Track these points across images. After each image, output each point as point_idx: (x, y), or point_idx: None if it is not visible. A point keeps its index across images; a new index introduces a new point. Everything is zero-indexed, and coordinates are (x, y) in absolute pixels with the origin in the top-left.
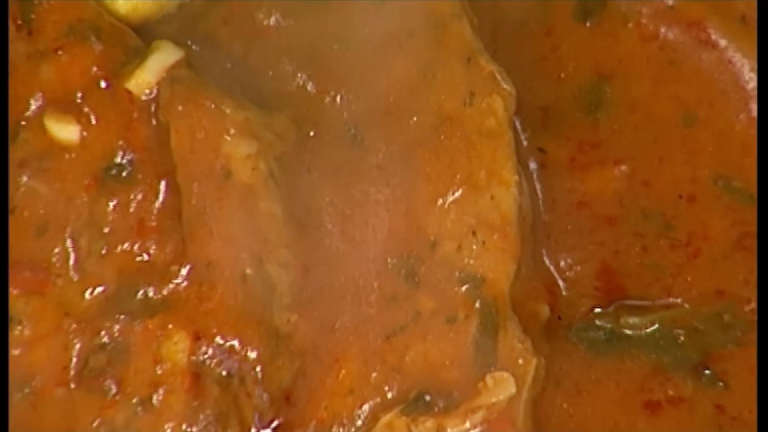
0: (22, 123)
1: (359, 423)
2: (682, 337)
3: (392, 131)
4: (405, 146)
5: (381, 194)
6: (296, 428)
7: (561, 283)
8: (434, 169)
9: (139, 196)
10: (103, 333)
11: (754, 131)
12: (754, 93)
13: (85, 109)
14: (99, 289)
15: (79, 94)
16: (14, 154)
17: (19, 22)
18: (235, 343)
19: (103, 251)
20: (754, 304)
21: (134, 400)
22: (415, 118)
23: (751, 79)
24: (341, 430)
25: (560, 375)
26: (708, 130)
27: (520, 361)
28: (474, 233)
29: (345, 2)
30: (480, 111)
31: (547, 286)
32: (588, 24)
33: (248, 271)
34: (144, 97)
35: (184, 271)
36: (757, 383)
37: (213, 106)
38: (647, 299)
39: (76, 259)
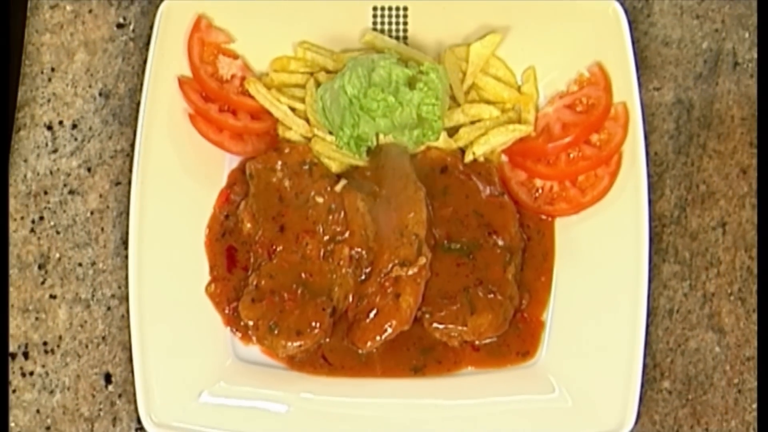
0: (311, 199)
1: (390, 267)
2: (465, 248)
3: (397, 197)
4: (400, 202)
5: (393, 213)
6: (374, 269)
7: (437, 234)
8: (406, 207)
9: (336, 214)
10: (329, 247)
11: (487, 201)
12: (486, 195)
13: (325, 196)
14: (326, 238)
15: (319, 191)
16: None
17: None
18: (359, 249)
19: (325, 226)
20: (482, 240)
21: (337, 262)
22: (402, 195)
23: (482, 189)
24: (383, 269)
25: (434, 258)
26: (472, 200)
27: (428, 254)
28: (416, 222)
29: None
30: (419, 194)
31: (433, 235)
32: (442, 172)
33: (362, 232)
34: (338, 190)
35: (347, 234)
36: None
37: (354, 192)
38: (457, 239)
39: (323, 230)
